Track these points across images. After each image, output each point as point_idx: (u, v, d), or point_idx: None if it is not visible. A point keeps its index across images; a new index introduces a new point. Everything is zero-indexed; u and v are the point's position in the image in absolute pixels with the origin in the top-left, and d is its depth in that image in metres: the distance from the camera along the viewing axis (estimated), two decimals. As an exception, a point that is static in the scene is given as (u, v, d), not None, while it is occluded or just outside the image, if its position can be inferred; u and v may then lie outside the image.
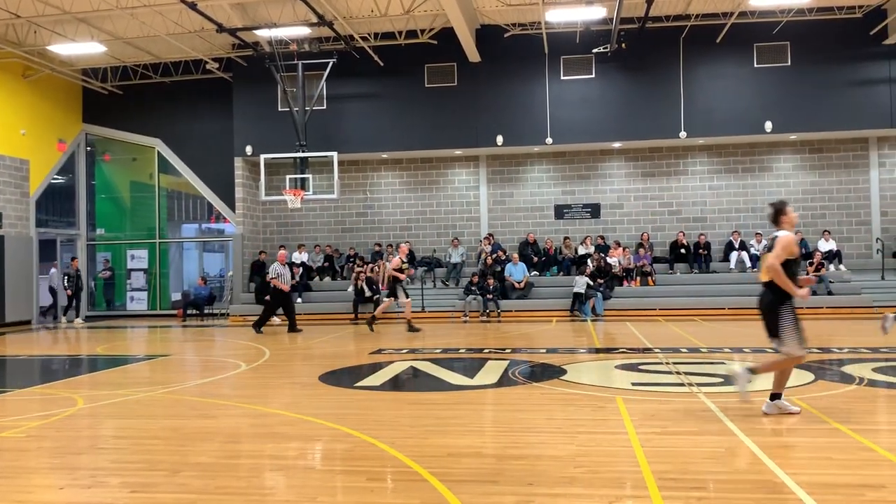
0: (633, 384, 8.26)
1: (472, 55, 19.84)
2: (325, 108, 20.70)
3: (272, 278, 15.83)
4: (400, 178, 22.20)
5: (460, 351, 11.84)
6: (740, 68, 19.66)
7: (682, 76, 19.68)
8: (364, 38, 19.66)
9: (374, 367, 10.03)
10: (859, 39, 19.00)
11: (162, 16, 17.78)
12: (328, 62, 19.20)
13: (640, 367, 9.59)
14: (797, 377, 8.40)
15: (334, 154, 19.26)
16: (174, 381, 9.23)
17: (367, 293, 19.13)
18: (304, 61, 19.42)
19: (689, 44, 19.57)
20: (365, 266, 19.99)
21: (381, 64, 20.38)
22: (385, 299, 15.74)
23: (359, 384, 8.70)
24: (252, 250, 21.61)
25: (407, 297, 15.67)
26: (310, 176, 19.30)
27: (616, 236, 20.85)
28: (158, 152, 22.90)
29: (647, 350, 11.32)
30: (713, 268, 19.90)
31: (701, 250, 19.99)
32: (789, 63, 19.43)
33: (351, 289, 19.58)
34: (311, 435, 6.14)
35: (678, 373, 8.92)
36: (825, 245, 19.43)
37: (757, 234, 20.08)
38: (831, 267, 19.00)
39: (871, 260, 19.70)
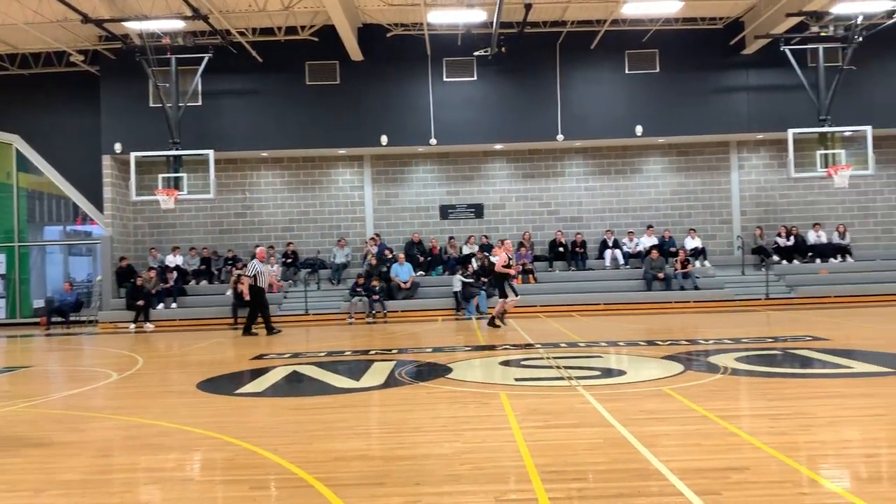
0: (516, 380, 8.44)
1: (355, 54, 19.70)
2: (200, 104, 19.96)
3: (249, 276, 15.19)
4: (281, 177, 21.72)
5: (346, 353, 11.71)
6: (613, 74, 20.54)
7: (559, 81, 20.34)
8: (241, 33, 19.12)
9: (256, 373, 9.74)
10: (720, 49, 20.29)
11: (19, 2, 16.59)
12: (203, 57, 18.45)
13: (523, 362, 9.82)
14: (667, 368, 8.86)
15: (210, 152, 18.56)
16: (37, 394, 8.61)
17: (247, 297, 18.54)
18: (178, 55, 18.60)
19: (566, 50, 20.25)
20: (244, 269, 19.39)
21: (261, 60, 19.88)
22: (499, 300, 14.96)
23: (239, 391, 8.43)
24: (122, 253, 20.50)
25: (516, 294, 14.79)
26: (184, 175, 18.53)
27: (499, 235, 21.19)
28: (16, 149, 21.36)
29: (528, 346, 11.60)
30: (589, 265, 20.71)
31: (578, 249, 20.74)
32: (658, 70, 20.49)
33: (230, 292, 18.92)
34: (188, 445, 5.89)
35: (558, 367, 9.19)
36: (691, 242, 20.60)
37: (629, 232, 21.03)
38: (697, 263, 20.15)
39: (733, 256, 21.06)
